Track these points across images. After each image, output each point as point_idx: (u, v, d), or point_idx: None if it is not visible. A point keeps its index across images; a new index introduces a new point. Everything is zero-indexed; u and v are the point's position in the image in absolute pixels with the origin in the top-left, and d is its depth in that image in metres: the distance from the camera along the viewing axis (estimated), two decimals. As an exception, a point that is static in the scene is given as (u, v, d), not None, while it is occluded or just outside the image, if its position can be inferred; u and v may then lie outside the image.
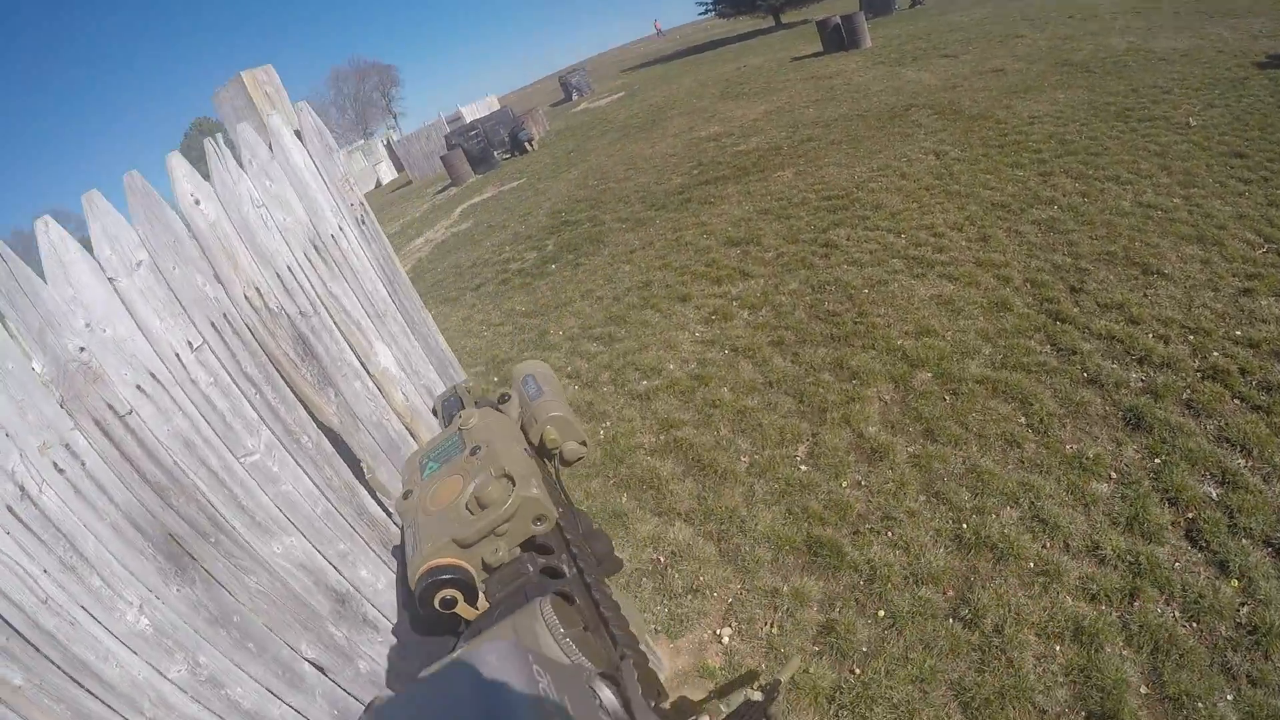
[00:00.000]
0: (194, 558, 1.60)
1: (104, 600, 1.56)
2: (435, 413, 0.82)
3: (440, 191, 18.99)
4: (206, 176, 1.59)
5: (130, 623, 1.59)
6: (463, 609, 0.52)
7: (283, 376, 1.61)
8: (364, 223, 1.74)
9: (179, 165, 1.49)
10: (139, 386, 1.47)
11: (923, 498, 3.34)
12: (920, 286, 5.04)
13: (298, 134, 1.74)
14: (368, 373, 1.75)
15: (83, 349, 1.39)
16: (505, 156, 19.28)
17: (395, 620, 0.64)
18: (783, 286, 5.71)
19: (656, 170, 11.14)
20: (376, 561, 1.82)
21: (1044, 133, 7.25)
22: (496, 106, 31.54)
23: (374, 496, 1.83)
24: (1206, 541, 2.78)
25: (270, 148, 1.59)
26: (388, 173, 35.36)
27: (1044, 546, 2.94)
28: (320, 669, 1.76)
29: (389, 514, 1.85)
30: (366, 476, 1.79)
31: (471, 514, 0.54)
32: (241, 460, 1.59)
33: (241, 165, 1.55)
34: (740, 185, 8.71)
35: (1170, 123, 6.83)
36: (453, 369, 2.08)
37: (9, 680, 1.36)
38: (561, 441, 0.67)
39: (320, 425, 1.68)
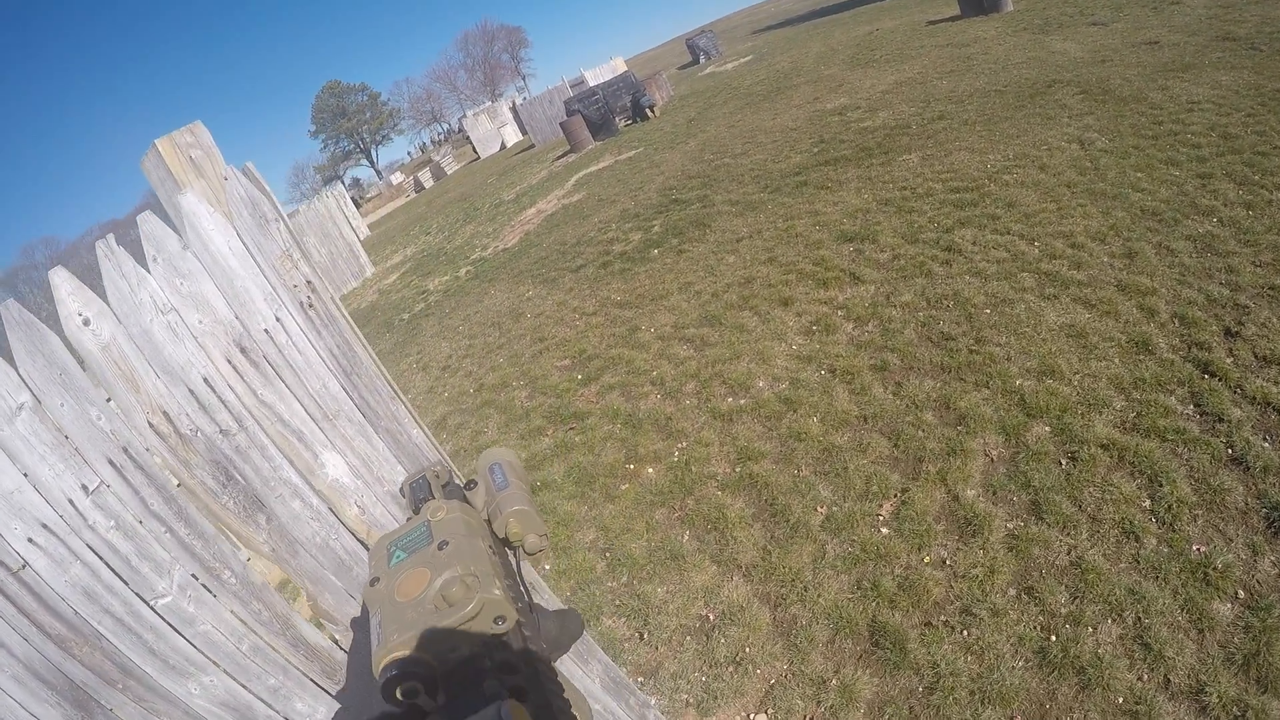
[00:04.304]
0: (101, 704, 1.40)
1: (6, 747, 1.40)
2: (402, 493, 0.87)
3: (560, 158, 18.93)
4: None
5: (35, 770, 1.42)
6: (422, 700, 0.53)
7: (199, 508, 1.37)
8: (311, 306, 1.46)
9: (63, 282, 1.25)
10: (31, 539, 1.27)
11: (1012, 592, 2.81)
12: (1050, 311, 4.32)
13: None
14: (312, 489, 1.48)
15: (-38, 507, 1.20)
16: (626, 123, 18.95)
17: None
18: (895, 297, 5.11)
19: (775, 145, 10.50)
20: (316, 692, 1.57)
21: (1204, 123, 6.14)
22: (623, 69, 31.10)
23: (318, 624, 1.58)
24: (1341, 699, 2.17)
25: (185, 236, 1.33)
26: (512, 135, 35.89)
27: (1140, 679, 2.38)
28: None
29: (336, 641, 1.60)
30: (307, 603, 1.54)
31: (437, 609, 0.57)
32: (151, 604, 1.37)
33: (145, 264, 1.30)
34: (861, 169, 7.99)
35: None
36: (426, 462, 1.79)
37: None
38: (523, 535, 0.72)
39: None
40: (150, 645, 1.38)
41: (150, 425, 1.32)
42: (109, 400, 1.30)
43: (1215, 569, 2.59)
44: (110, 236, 1.30)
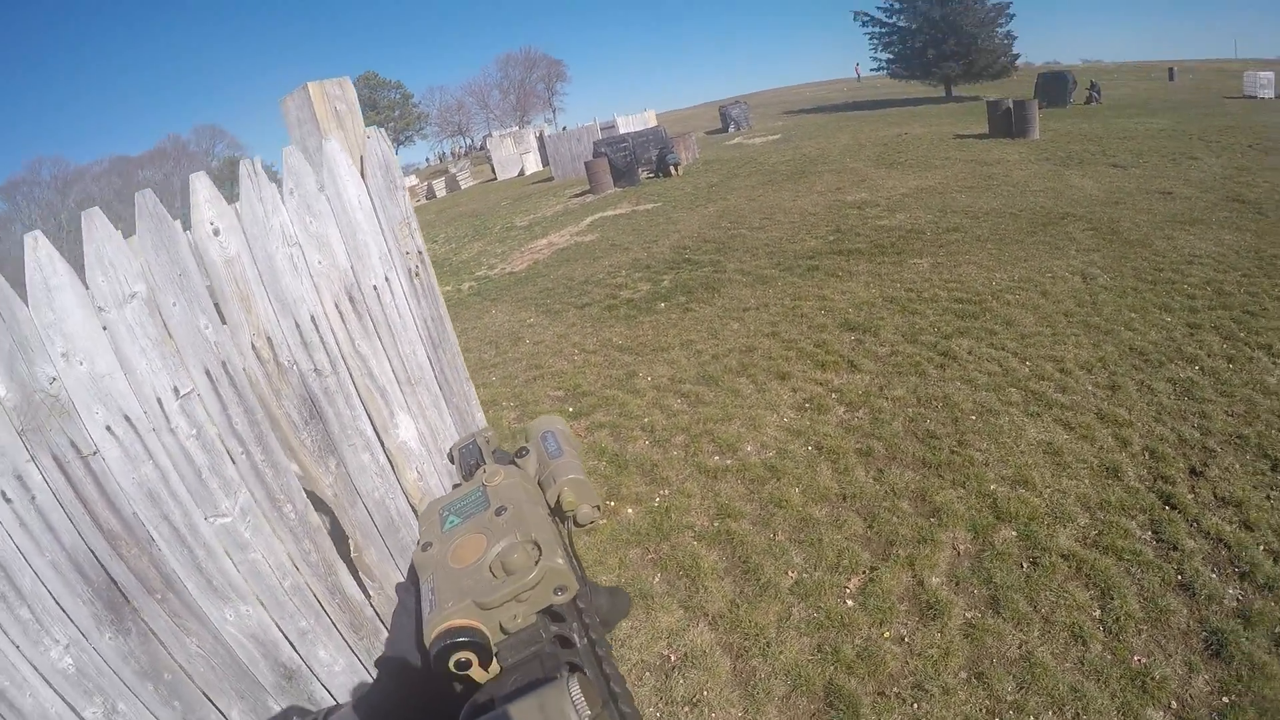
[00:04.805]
0: (135, 610, 1.43)
1: (30, 633, 1.42)
2: (451, 458, 0.82)
3: (577, 196, 19.22)
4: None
5: (54, 659, 1.45)
6: (475, 671, 0.52)
7: (278, 438, 1.42)
8: (418, 275, 1.55)
9: (202, 187, 1.33)
10: (109, 428, 1.32)
11: (964, 674, 2.95)
12: (1031, 427, 4.54)
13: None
14: (382, 445, 1.55)
15: (54, 379, 1.25)
16: (649, 176, 19.33)
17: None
18: (888, 390, 5.28)
19: (792, 226, 10.80)
20: (340, 644, 1.61)
21: (1201, 276, 6.55)
22: (653, 123, 31.82)
23: (355, 576, 1.62)
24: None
25: (321, 178, 1.42)
26: (533, 164, 36.33)
27: (1076, 773, 2.49)
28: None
29: (368, 596, 1.64)
30: (352, 555, 1.58)
31: (495, 577, 0.55)
32: (210, 521, 1.41)
33: (282, 195, 1.38)
34: (873, 264, 8.28)
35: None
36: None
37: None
38: (577, 505, 0.68)
39: (312, 495, 1.49)
40: (199, 562, 1.42)
41: (253, 348, 1.38)
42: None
43: (1153, 679, 2.75)
44: (258, 159, 1.37)
